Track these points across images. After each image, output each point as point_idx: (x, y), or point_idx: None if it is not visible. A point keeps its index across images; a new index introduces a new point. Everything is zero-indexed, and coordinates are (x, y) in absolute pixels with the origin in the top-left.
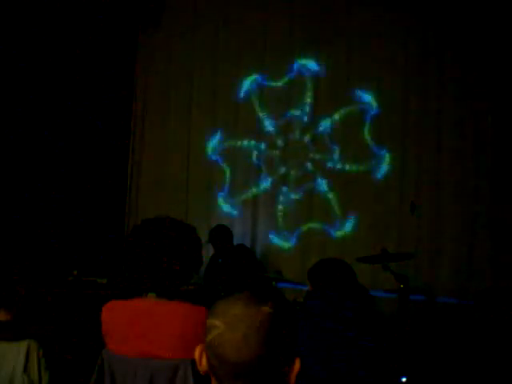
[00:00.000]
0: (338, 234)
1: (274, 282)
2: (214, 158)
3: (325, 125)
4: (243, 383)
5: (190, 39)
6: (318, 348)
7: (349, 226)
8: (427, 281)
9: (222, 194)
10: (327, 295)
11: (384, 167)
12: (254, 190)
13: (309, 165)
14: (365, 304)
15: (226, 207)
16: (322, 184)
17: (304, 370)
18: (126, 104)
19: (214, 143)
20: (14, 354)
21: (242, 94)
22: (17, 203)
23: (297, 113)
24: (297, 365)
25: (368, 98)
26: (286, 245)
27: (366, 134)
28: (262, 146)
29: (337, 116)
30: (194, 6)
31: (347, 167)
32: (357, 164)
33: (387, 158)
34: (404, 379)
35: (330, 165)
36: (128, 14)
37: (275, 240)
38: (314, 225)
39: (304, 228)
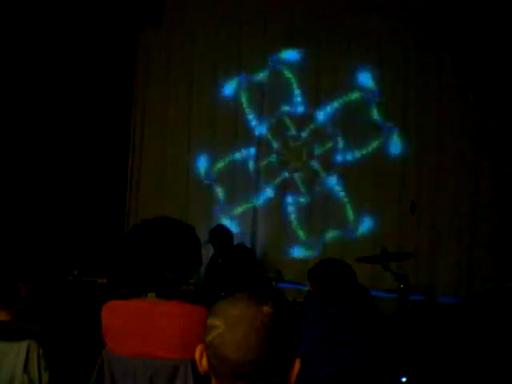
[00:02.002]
0: (353, 235)
1: (273, 282)
2: (209, 176)
3: (323, 115)
4: (243, 383)
5: (190, 39)
6: (318, 348)
7: (361, 228)
8: (427, 281)
9: (219, 208)
10: (327, 295)
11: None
12: (255, 200)
13: (310, 162)
14: (365, 304)
15: (225, 219)
16: (330, 181)
17: (304, 370)
18: (125, 104)
19: (206, 163)
20: (14, 354)
21: (233, 96)
22: (17, 203)
23: (290, 108)
24: (297, 365)
25: (368, 83)
26: (306, 254)
27: (364, 122)
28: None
29: (336, 104)
30: (194, 5)
31: (352, 157)
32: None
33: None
34: (404, 379)
35: (334, 158)
36: (128, 13)
37: (295, 253)
38: (327, 229)
39: (324, 237)
